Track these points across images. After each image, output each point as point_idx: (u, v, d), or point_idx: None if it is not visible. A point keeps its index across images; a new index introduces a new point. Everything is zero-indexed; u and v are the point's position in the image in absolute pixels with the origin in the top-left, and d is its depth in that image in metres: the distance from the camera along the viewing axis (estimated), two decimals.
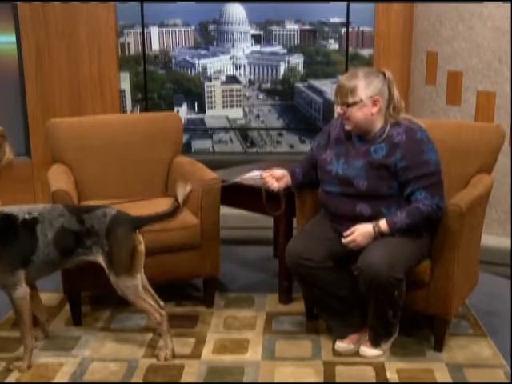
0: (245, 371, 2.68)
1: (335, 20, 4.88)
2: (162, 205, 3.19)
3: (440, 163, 2.66)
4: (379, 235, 2.62)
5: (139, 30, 4.87)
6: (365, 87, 2.61)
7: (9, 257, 2.59)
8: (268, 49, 5.00)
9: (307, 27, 4.94)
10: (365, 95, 2.61)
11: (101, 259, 2.66)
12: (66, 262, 2.71)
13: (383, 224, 2.62)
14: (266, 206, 2.93)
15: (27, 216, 2.61)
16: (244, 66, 5.03)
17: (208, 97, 5.06)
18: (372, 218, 2.65)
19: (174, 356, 2.75)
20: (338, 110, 2.70)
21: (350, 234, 2.65)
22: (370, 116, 2.64)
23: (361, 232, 2.64)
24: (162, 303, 2.88)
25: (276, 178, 2.91)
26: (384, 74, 2.67)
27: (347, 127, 2.69)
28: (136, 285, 2.69)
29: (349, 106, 2.63)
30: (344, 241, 2.66)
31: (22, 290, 2.63)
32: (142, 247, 2.71)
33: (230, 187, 3.27)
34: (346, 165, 2.71)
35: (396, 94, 2.68)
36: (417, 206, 2.60)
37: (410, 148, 2.62)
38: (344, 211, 2.71)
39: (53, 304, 3.25)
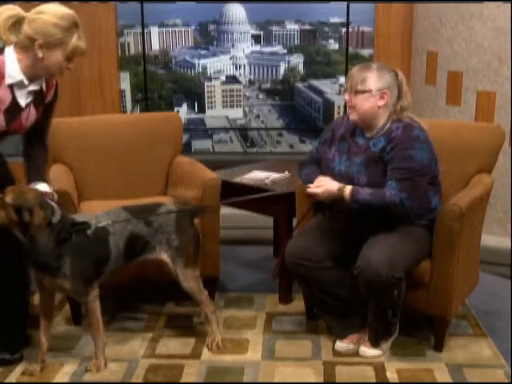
0: (245, 371, 2.68)
1: (335, 20, 4.88)
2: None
3: (427, 166, 2.63)
4: (340, 198, 2.64)
5: (139, 30, 4.87)
6: (376, 79, 2.63)
7: (83, 270, 2.55)
8: (268, 49, 5.00)
9: (307, 27, 4.94)
10: (374, 86, 2.62)
11: (165, 256, 2.71)
12: (129, 265, 2.72)
13: (347, 190, 2.62)
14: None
15: (98, 225, 2.59)
16: (244, 65, 5.03)
17: (208, 97, 5.05)
18: (372, 215, 2.65)
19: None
20: (345, 97, 2.70)
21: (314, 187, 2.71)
22: (376, 108, 2.64)
23: (326, 188, 2.67)
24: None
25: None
26: (396, 74, 2.68)
27: (352, 117, 2.69)
28: (199, 276, 2.77)
29: (357, 93, 2.64)
30: (308, 190, 2.72)
31: (94, 294, 2.61)
32: (201, 236, 2.82)
33: (230, 187, 3.28)
34: (348, 162, 2.71)
35: (408, 94, 2.69)
36: (384, 191, 2.59)
37: (401, 142, 2.61)
38: (345, 208, 2.71)
39: None
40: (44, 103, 2.57)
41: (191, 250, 2.74)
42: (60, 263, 2.49)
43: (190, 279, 2.74)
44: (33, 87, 2.46)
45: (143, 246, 2.69)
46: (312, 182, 2.77)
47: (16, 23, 2.35)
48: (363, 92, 2.63)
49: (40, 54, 2.35)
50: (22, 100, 2.45)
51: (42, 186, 2.63)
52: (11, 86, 2.41)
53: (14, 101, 2.43)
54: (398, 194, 2.57)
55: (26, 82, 2.42)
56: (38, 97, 2.52)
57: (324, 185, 2.68)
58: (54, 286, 2.57)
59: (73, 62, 2.43)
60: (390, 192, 2.58)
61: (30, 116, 2.51)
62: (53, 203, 2.53)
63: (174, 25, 4.99)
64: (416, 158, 2.60)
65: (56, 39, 2.34)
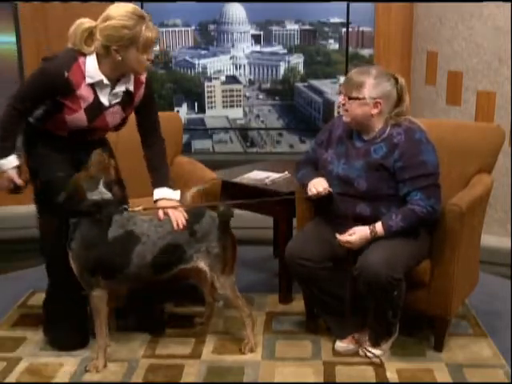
0: (245, 371, 2.68)
1: (335, 20, 4.88)
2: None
3: (438, 165, 2.65)
4: (375, 238, 2.63)
5: None
6: (372, 87, 2.61)
7: (89, 261, 2.53)
8: (268, 49, 5.00)
9: (307, 27, 4.94)
10: (369, 95, 2.61)
11: (202, 264, 2.66)
12: (159, 277, 2.68)
13: (379, 228, 2.62)
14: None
15: (129, 228, 2.57)
16: (244, 66, 5.03)
17: (208, 97, 5.05)
18: (372, 218, 2.65)
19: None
20: (339, 98, 2.71)
21: (346, 236, 2.66)
22: (369, 116, 2.64)
23: (358, 236, 2.64)
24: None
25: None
26: (396, 79, 2.66)
27: (345, 119, 2.69)
28: (235, 281, 2.75)
29: (350, 98, 2.63)
30: (340, 238, 2.66)
31: (99, 292, 2.58)
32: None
33: (230, 187, 3.28)
34: (347, 165, 2.71)
35: (407, 100, 2.68)
36: (412, 208, 2.60)
37: (408, 148, 2.61)
38: (344, 211, 2.71)
39: None
40: (133, 103, 2.67)
41: (229, 255, 2.70)
42: (73, 235, 2.53)
43: (226, 286, 2.70)
44: (118, 89, 2.58)
45: (179, 256, 2.63)
46: (306, 184, 2.78)
47: (90, 35, 2.49)
48: (357, 99, 2.62)
49: (118, 58, 2.47)
50: (105, 99, 2.57)
51: (164, 192, 2.74)
52: (93, 86, 2.52)
53: (97, 100, 2.55)
54: (428, 203, 2.59)
55: (105, 81, 2.53)
56: (125, 98, 2.63)
57: (354, 232, 2.64)
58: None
59: (150, 53, 2.53)
60: (418, 206, 2.59)
61: (115, 115, 2.64)
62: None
63: (174, 25, 4.99)
64: (428, 162, 2.61)
65: (127, 39, 2.44)
